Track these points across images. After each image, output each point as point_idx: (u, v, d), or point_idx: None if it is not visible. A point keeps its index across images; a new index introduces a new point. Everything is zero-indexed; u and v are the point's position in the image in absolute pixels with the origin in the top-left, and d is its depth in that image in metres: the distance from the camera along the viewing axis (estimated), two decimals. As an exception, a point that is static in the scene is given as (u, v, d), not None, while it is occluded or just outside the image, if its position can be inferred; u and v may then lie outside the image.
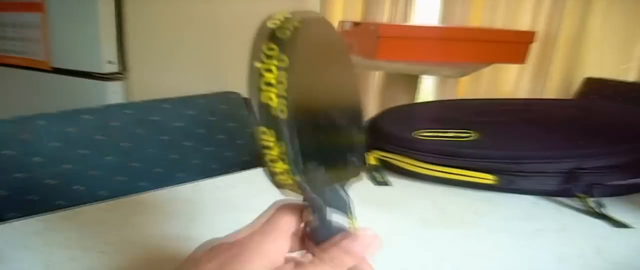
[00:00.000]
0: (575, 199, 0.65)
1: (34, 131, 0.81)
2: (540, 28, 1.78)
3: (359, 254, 0.30)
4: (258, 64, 0.27)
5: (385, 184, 0.71)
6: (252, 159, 1.02)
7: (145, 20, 1.63)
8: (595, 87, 1.68)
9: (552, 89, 1.84)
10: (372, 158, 0.75)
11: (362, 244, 0.30)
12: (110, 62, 1.65)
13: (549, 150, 0.67)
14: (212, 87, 1.08)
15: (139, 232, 0.54)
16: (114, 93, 1.66)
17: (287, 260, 0.31)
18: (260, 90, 0.27)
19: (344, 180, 0.32)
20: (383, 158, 0.75)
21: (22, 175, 0.79)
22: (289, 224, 0.31)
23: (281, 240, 0.31)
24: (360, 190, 0.32)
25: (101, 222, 0.56)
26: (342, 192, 0.32)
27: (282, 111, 0.26)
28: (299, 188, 0.29)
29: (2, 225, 0.54)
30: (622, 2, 1.69)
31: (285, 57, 0.27)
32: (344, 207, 0.31)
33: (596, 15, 1.72)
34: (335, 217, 0.31)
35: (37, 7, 1.71)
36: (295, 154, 0.27)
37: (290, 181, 0.28)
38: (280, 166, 0.28)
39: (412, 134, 0.74)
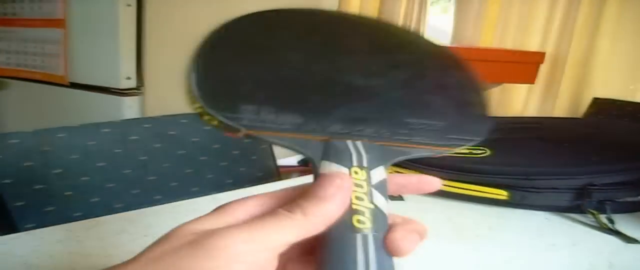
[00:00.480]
0: (587, 215, 0.66)
1: (55, 144, 0.82)
2: (549, 49, 1.79)
3: (323, 197, 0.25)
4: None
5: (399, 198, 0.72)
6: (266, 174, 1.04)
7: (163, 36, 1.65)
8: (604, 108, 1.68)
9: (560, 109, 1.84)
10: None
11: (323, 186, 0.26)
12: (128, 78, 1.67)
13: (560, 167, 0.68)
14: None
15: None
16: (129, 108, 1.66)
17: None
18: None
19: (384, 142, 0.31)
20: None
21: (41, 187, 0.80)
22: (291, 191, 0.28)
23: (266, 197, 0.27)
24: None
25: (121, 232, 0.57)
26: (352, 146, 0.29)
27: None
28: (226, 128, 0.28)
29: (26, 234, 0.55)
30: (630, 24, 1.70)
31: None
32: (348, 160, 0.28)
33: (605, 37, 1.74)
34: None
35: (59, 24, 1.74)
36: (192, 87, 0.28)
37: (209, 117, 0.28)
38: (191, 101, 0.28)
39: (425, 150, 0.75)
